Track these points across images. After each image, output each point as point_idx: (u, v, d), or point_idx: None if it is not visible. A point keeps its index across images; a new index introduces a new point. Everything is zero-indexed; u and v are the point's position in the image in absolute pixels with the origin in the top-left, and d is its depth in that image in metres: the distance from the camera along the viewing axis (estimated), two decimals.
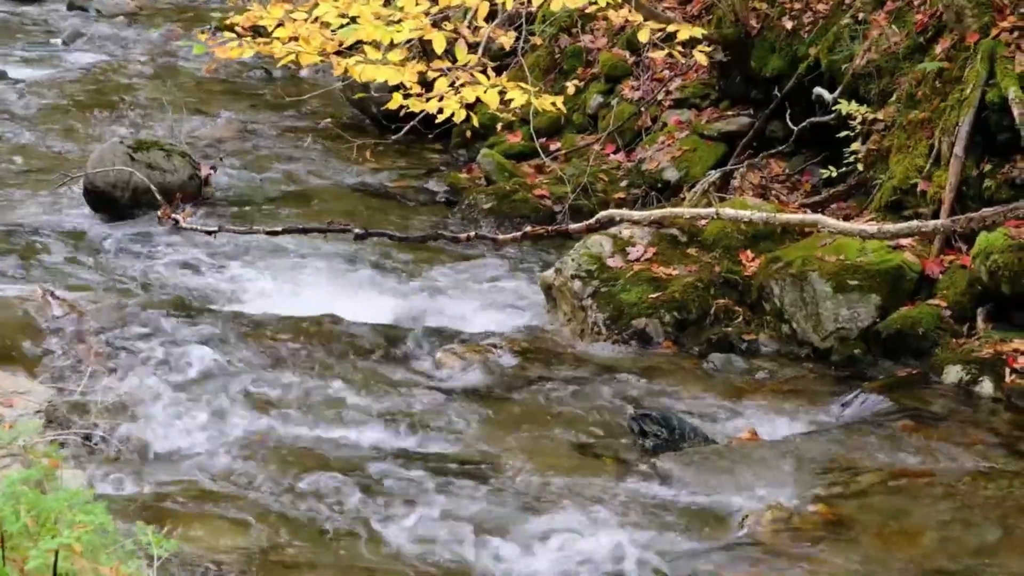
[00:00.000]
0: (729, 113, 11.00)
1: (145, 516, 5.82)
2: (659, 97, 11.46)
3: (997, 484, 6.63)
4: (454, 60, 6.34)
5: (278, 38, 6.16)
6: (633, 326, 8.40)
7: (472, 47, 6.28)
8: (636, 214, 9.08)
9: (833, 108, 9.54)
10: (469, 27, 6.43)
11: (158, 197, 9.97)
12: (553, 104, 6.47)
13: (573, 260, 8.76)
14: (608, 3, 7.20)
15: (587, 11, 9.08)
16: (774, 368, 8.08)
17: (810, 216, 8.63)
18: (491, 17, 6.76)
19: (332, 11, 5.99)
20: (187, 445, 6.85)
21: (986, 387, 7.60)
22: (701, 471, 6.73)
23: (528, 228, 9.34)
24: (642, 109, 11.46)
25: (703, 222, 8.91)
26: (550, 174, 11.02)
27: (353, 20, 6.06)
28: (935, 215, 8.52)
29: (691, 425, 7.19)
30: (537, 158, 11.29)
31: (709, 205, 9.16)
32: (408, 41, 6.22)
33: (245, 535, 6.03)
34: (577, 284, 8.62)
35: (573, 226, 9.21)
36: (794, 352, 8.27)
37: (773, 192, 10.08)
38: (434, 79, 6.22)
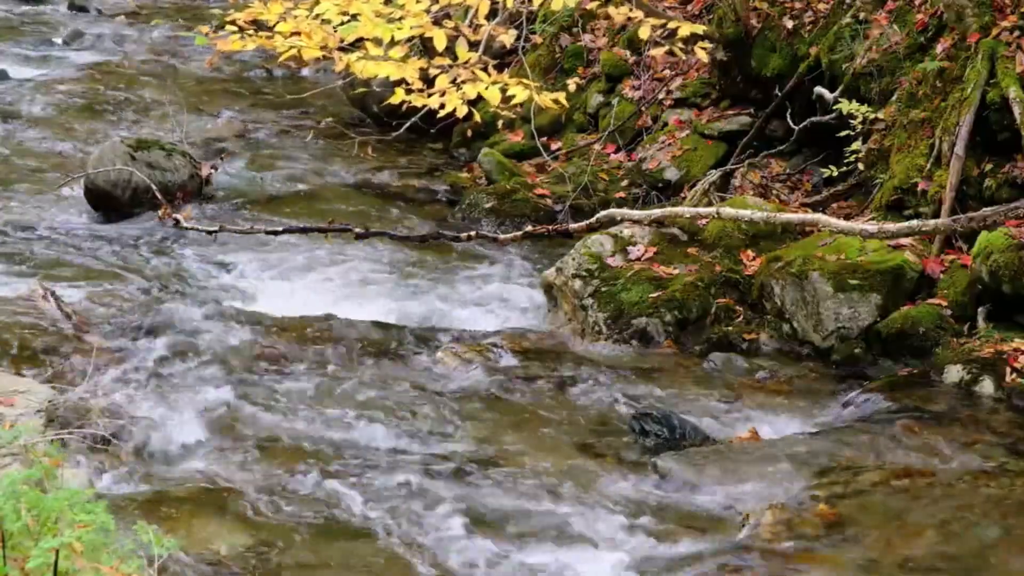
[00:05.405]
0: (730, 112, 11.00)
1: (145, 515, 5.82)
2: (660, 96, 11.46)
3: (997, 483, 6.63)
4: (455, 58, 6.33)
5: (280, 33, 6.14)
6: (634, 325, 8.39)
7: (473, 45, 6.27)
8: (637, 213, 9.07)
9: (834, 107, 9.54)
10: (470, 25, 6.41)
11: (159, 196, 9.95)
12: (555, 101, 6.46)
13: (574, 259, 8.75)
14: None
15: (587, 8, 9.07)
16: (775, 367, 8.07)
17: (811, 215, 8.62)
18: (492, 15, 6.75)
19: (333, 8, 5.98)
20: (187, 444, 6.84)
21: (987, 386, 7.59)
22: (702, 470, 6.72)
23: (529, 227, 9.33)
24: (642, 108, 11.46)
25: (704, 221, 8.90)
26: (551, 173, 11.01)
27: (354, 18, 6.05)
28: (935, 215, 8.52)
29: (692, 424, 7.19)
30: (538, 157, 11.29)
31: (710, 204, 9.16)
32: (409, 39, 6.20)
33: (245, 534, 6.03)
34: (578, 283, 8.62)
35: (574, 225, 9.20)
36: (795, 351, 8.27)
37: (774, 191, 10.08)
38: (435, 76, 6.21)
